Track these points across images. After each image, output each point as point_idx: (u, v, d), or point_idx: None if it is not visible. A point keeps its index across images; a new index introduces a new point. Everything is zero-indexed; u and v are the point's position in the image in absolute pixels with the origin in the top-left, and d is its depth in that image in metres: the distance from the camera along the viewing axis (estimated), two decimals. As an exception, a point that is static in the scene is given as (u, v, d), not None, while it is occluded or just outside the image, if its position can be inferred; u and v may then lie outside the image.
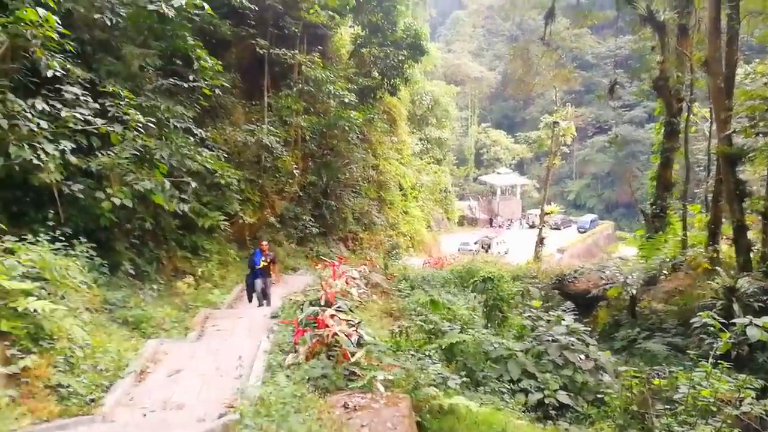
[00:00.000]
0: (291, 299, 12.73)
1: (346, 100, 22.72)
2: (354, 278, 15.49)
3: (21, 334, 6.84)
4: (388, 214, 32.16)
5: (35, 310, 6.95)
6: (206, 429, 5.08)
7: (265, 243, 14.12)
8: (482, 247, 42.81)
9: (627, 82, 46.15)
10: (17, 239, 8.45)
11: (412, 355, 10.17)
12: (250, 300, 13.86)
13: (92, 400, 7.08)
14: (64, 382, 6.93)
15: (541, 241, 35.52)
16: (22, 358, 6.62)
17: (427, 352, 10.54)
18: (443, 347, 11.14)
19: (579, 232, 57.91)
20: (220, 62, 15.26)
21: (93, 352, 7.95)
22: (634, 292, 16.55)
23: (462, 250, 41.13)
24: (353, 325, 9.44)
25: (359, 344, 8.89)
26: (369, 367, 8.36)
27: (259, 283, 13.61)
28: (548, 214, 37.43)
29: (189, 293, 13.51)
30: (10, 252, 7.89)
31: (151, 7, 12.85)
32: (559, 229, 57.74)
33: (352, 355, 8.41)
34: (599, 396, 10.46)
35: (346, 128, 23.17)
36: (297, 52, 21.93)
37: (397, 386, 8.05)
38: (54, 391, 6.79)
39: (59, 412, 6.57)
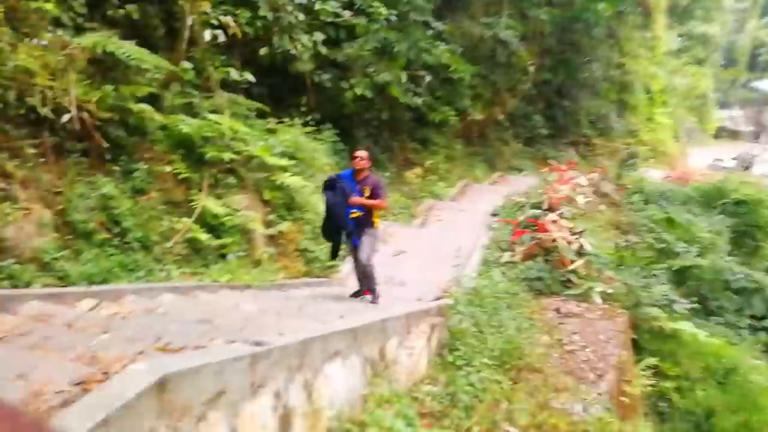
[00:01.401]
0: (513, 199, 12.71)
1: (596, -11, 20.54)
2: (581, 185, 14.72)
3: (278, 204, 8.03)
4: (629, 120, 29.24)
5: (289, 185, 8.03)
6: (423, 308, 5.51)
7: (361, 153, 6.35)
8: (741, 164, 37.00)
9: None
10: (278, 121, 9.68)
11: (637, 272, 9.56)
12: (334, 256, 6.75)
13: (331, 266, 8.14)
14: (310, 247, 8.05)
15: (822, 164, 29.36)
16: (278, 223, 7.80)
17: (654, 272, 9.82)
18: (674, 269, 10.28)
19: None
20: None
21: (333, 225, 9.00)
22: None
23: (714, 166, 36.03)
24: (575, 233, 9.12)
25: (579, 253, 8.62)
26: (587, 277, 8.11)
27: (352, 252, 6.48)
28: (839, 131, 30.35)
29: (416, 183, 14.26)
30: (272, 132, 9.09)
31: None
32: None
33: (571, 262, 8.20)
34: None
35: (592, 22, 21.10)
36: (545, -65, 20.15)
37: (616, 301, 7.72)
38: (302, 254, 7.95)
39: (305, 271, 7.71)
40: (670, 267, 10.32)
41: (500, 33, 17.97)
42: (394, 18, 12.67)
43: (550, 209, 10.36)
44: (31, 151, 5.14)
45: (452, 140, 17.67)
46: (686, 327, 7.58)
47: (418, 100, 13.47)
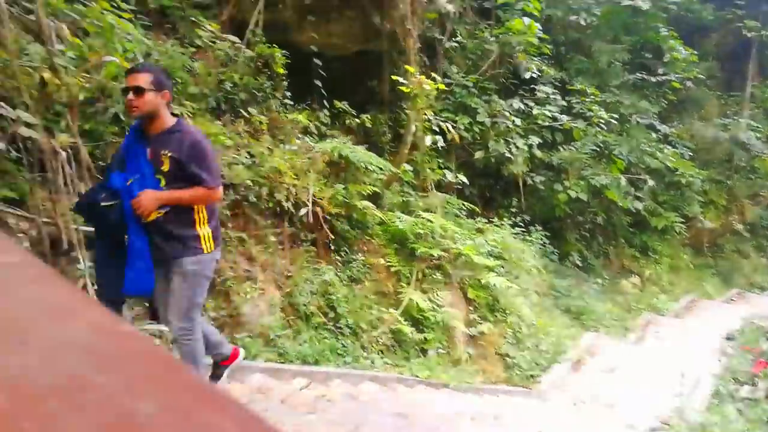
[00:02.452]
0: (754, 323, 10.93)
1: None
2: None
3: (481, 303, 7.99)
4: None
5: (494, 285, 7.98)
6: (635, 438, 4.90)
7: (139, 77, 2.83)
8: None
9: None
10: (486, 221, 9.85)
11: None
12: (113, 305, 3.09)
13: (531, 376, 7.73)
14: (511, 353, 7.78)
15: None
16: (480, 323, 7.73)
17: None
18: None
19: None
20: (695, 52, 14.10)
21: (536, 332, 8.63)
22: None
23: None
24: (841, 373, 7.46)
25: None
26: None
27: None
28: None
29: (633, 294, 13.12)
30: (480, 232, 9.26)
31: (626, 2, 12.82)
32: None
33: (835, 410, 6.66)
34: None
35: None
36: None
37: None
38: (501, 359, 7.70)
39: (504, 378, 7.42)
40: None
41: (739, 134, 16.32)
42: (614, 121, 12.36)
43: (806, 339, 8.67)
44: (272, 239, 5.95)
45: (678, 249, 16.03)
46: None
47: (639, 205, 12.65)
